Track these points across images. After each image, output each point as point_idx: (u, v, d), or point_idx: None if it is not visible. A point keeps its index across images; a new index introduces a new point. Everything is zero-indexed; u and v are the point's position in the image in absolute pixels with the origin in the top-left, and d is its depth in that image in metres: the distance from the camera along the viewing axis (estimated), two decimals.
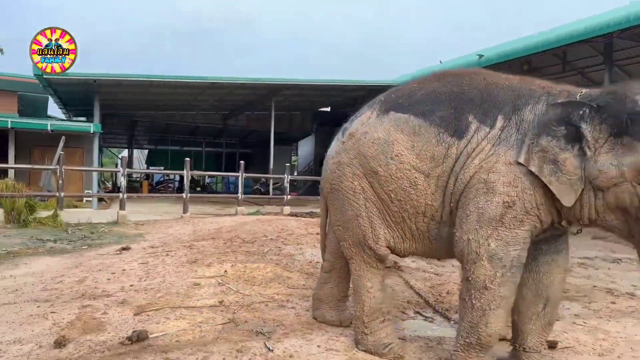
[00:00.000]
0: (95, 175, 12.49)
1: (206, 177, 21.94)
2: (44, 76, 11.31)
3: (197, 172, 14.95)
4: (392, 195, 2.62)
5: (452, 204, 2.49)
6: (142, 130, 23.42)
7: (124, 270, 4.70)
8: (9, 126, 11.11)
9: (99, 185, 13.47)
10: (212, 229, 7.82)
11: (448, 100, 2.58)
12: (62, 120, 15.88)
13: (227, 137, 22.39)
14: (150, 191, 17.05)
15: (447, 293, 4.23)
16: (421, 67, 14.99)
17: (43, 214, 8.34)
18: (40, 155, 12.06)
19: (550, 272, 2.55)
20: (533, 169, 2.27)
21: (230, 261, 5.07)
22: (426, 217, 2.57)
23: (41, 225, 7.82)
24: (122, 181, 9.55)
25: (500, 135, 2.38)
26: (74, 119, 17.35)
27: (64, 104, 15.99)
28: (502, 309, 2.33)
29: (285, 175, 11.93)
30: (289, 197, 11.92)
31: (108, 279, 4.32)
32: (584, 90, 2.39)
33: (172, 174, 19.99)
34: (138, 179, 19.61)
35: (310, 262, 5.13)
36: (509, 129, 2.38)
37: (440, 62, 15.17)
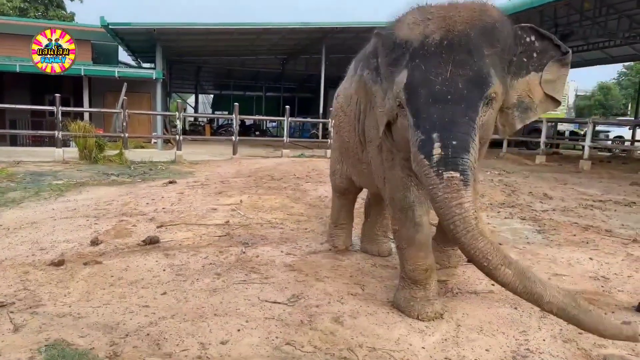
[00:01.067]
0: (159, 118, 13.75)
1: (267, 121, 22.92)
2: (110, 26, 12.43)
3: (244, 117, 15.83)
4: (340, 133, 3.21)
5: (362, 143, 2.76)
6: (207, 76, 24.69)
7: (162, 197, 5.68)
8: (82, 73, 12.43)
9: (166, 128, 14.76)
10: (253, 169, 8.72)
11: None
12: (129, 67, 17.29)
13: (286, 81, 23.07)
14: (212, 134, 18.37)
15: None
16: None
17: (111, 152, 9.65)
18: (112, 100, 13.37)
19: None
20: (358, 95, 2.47)
21: (249, 193, 5.91)
22: (352, 153, 3.01)
23: (109, 162, 9.12)
24: (178, 124, 10.66)
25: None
26: (143, 66, 18.77)
27: (132, 51, 17.31)
28: (412, 247, 2.40)
29: (330, 120, 12.51)
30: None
31: (147, 204, 5.31)
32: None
33: (222, 117, 21.05)
34: (202, 123, 21.02)
35: (319, 197, 5.85)
36: None
37: None
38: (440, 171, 1.85)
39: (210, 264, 3.28)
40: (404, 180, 2.40)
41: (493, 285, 2.94)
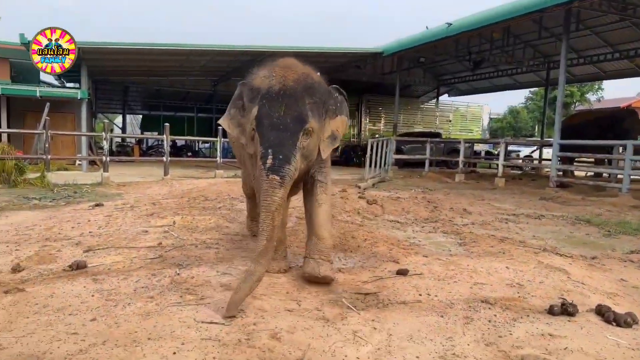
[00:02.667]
0: (84, 139, 13.15)
1: (199, 142, 22.60)
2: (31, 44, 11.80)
3: (176, 137, 15.55)
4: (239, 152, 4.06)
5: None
6: (135, 96, 23.97)
7: (89, 220, 5.47)
8: (0, 92, 11.72)
9: (90, 149, 14.14)
10: (186, 190, 8.59)
11: (254, 87, 3.44)
12: (52, 86, 16.46)
13: (218, 102, 22.91)
14: (141, 155, 17.82)
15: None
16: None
17: (33, 175, 9.11)
18: (34, 121, 12.68)
19: (309, 206, 3.47)
20: (228, 130, 3.39)
21: (183, 214, 5.83)
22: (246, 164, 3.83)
23: (29, 186, 8.60)
24: (105, 145, 10.28)
25: None
26: (67, 85, 17.92)
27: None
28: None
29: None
30: None
31: (72, 227, 5.08)
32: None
33: (152, 138, 20.59)
34: (130, 144, 20.33)
35: None
36: None
37: (427, 27, 15.36)
38: (268, 173, 2.79)
39: (143, 287, 3.20)
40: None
41: (420, 295, 3.12)
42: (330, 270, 3.29)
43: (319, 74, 3.32)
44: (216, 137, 11.83)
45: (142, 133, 25.01)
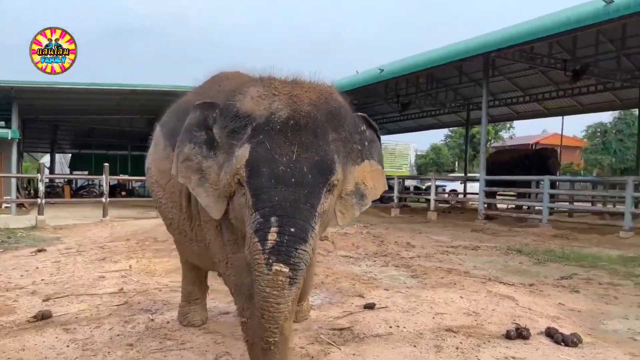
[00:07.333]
0: (13, 181, 12.44)
1: (133, 181, 21.90)
2: None
3: (115, 177, 15.08)
4: (161, 210, 2.89)
5: (196, 221, 2.50)
6: (65, 135, 23.02)
7: (37, 268, 5.24)
8: None
9: (18, 191, 13.35)
10: (129, 231, 8.37)
11: (182, 110, 2.55)
12: None
13: None
14: (72, 196, 17.00)
15: None
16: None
17: None
18: None
19: None
20: (182, 180, 2.15)
21: (137, 257, 5.74)
22: (175, 229, 2.79)
23: None
24: (41, 187, 9.81)
25: None
26: None
27: None
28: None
29: None
30: None
31: (21, 276, 4.86)
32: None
33: (92, 178, 19.84)
34: (59, 184, 19.34)
35: None
36: None
37: (357, 72, 16.22)
38: (270, 261, 1.68)
39: (118, 335, 3.18)
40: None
41: (390, 327, 3.35)
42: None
43: (342, 94, 2.14)
44: None
45: (71, 172, 23.88)
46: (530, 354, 2.88)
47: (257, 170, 1.78)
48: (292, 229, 1.70)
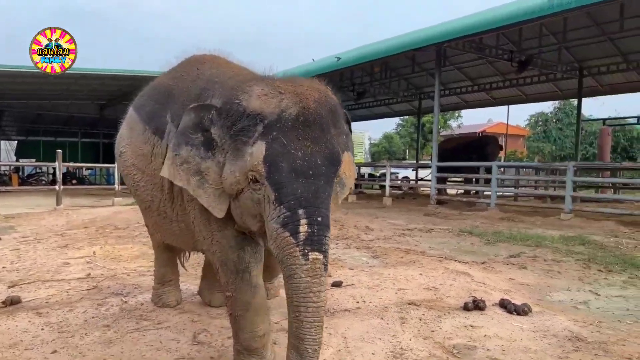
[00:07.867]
0: None
1: (83, 169, 21.18)
2: None
3: (70, 164, 14.61)
4: (139, 192, 2.89)
5: (178, 201, 2.52)
6: (10, 120, 21.90)
7: None
8: None
9: None
10: (87, 219, 8.21)
11: (159, 93, 2.66)
12: None
13: (105, 127, 21.77)
14: (20, 184, 16.29)
15: None
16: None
17: None
18: None
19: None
20: (180, 183, 2.18)
21: (100, 244, 5.70)
22: (154, 211, 2.81)
23: None
24: None
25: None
26: None
27: None
28: (249, 313, 2.27)
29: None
30: None
31: None
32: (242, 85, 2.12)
33: (43, 166, 19.08)
34: (6, 172, 18.45)
35: None
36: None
37: (313, 60, 16.32)
38: (306, 251, 1.77)
39: (93, 317, 3.23)
40: (237, 239, 2.25)
41: (358, 302, 3.56)
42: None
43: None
44: (111, 163, 11.36)
45: (17, 160, 22.79)
46: (487, 322, 3.17)
47: (277, 165, 1.85)
48: (319, 218, 1.81)
